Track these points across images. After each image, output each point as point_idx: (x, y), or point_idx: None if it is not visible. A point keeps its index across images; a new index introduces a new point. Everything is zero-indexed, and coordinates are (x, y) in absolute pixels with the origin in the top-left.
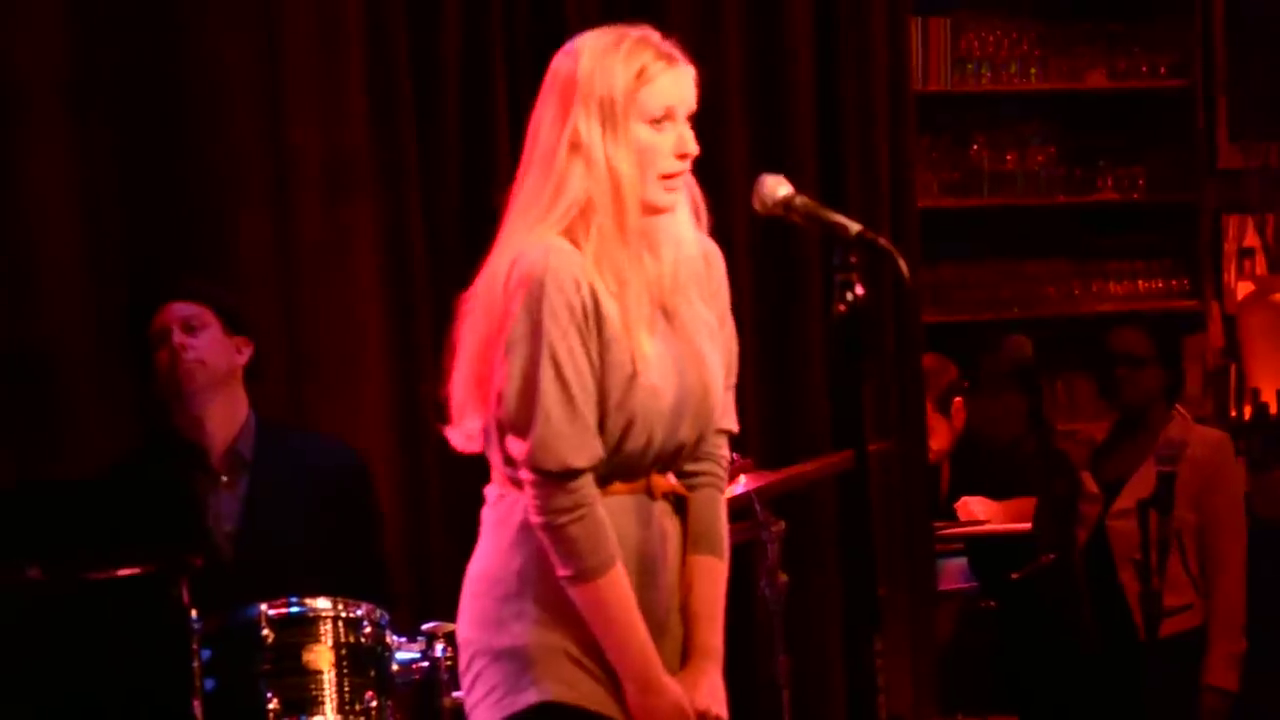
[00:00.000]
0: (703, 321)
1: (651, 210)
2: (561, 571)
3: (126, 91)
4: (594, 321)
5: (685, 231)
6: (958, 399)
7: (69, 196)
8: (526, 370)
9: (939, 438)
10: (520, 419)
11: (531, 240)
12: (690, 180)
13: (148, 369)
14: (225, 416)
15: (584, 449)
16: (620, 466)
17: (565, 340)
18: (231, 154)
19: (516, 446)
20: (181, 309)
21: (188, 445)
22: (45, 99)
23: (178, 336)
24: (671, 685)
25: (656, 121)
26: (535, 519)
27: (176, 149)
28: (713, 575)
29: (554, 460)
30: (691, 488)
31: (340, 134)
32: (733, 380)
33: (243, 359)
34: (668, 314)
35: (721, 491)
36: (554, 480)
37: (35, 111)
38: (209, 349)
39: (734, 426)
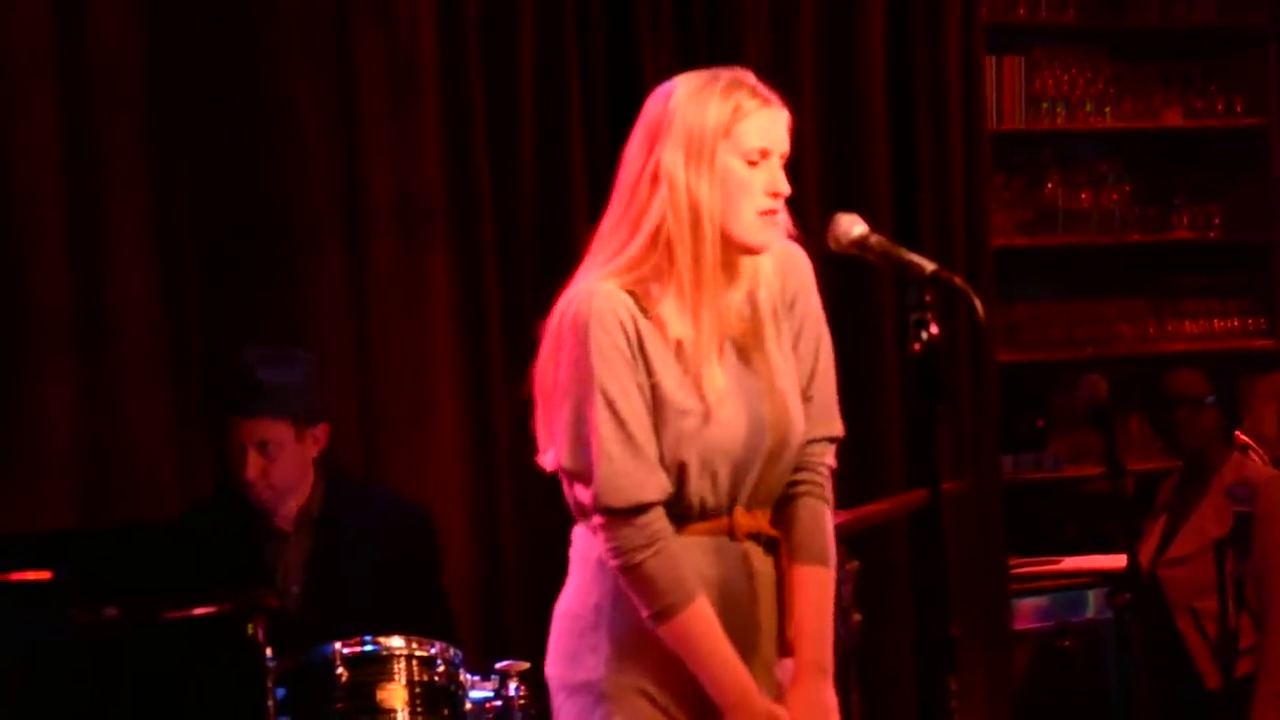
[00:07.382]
0: (782, 361)
1: (746, 250)
2: (645, 612)
3: (202, 136)
4: (641, 359)
5: (766, 266)
6: None
7: (146, 242)
8: (581, 414)
9: None
10: (582, 465)
11: (582, 285)
12: (782, 210)
13: (221, 448)
14: (295, 496)
15: (649, 483)
16: (694, 505)
17: (616, 380)
18: (306, 195)
19: (583, 493)
20: (257, 430)
21: (258, 508)
22: (122, 143)
23: (252, 465)
24: (771, 710)
25: (752, 161)
26: (612, 562)
27: (251, 191)
28: (818, 585)
29: (621, 498)
30: (791, 497)
31: (415, 174)
32: (831, 383)
33: (317, 448)
34: (743, 351)
35: (824, 500)
36: (624, 518)
37: (112, 155)
38: (283, 471)
39: (838, 431)
